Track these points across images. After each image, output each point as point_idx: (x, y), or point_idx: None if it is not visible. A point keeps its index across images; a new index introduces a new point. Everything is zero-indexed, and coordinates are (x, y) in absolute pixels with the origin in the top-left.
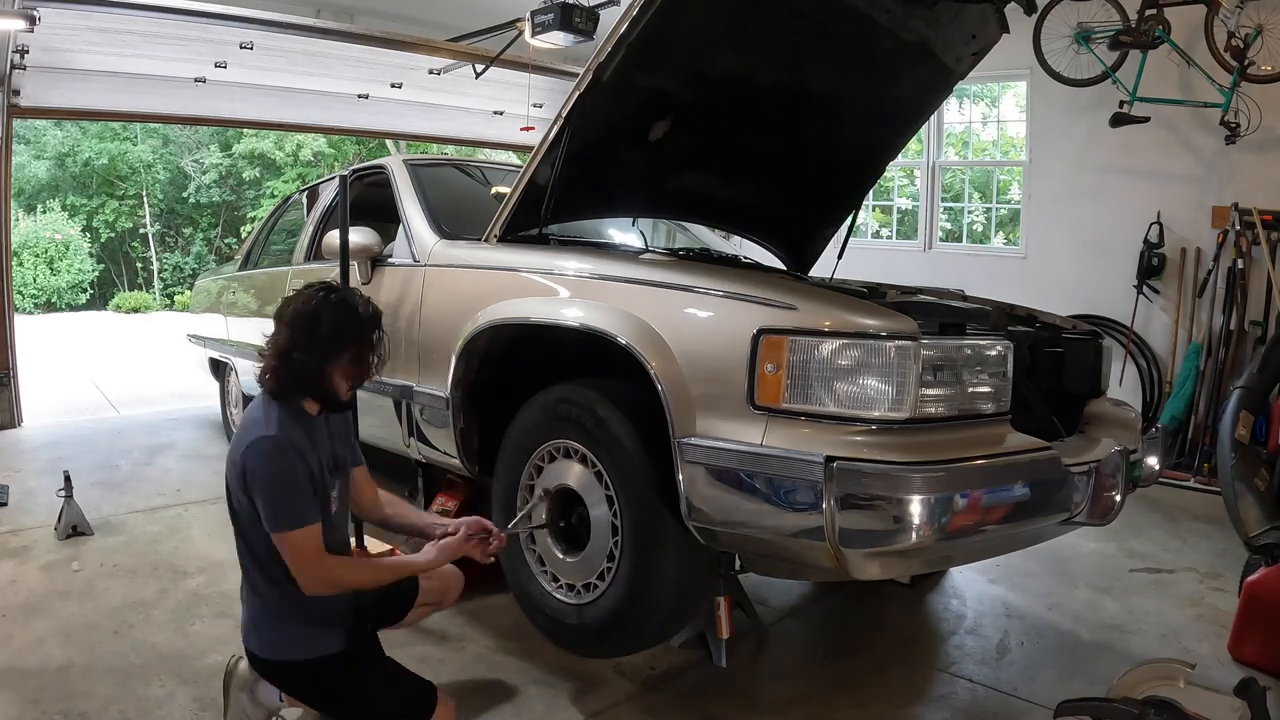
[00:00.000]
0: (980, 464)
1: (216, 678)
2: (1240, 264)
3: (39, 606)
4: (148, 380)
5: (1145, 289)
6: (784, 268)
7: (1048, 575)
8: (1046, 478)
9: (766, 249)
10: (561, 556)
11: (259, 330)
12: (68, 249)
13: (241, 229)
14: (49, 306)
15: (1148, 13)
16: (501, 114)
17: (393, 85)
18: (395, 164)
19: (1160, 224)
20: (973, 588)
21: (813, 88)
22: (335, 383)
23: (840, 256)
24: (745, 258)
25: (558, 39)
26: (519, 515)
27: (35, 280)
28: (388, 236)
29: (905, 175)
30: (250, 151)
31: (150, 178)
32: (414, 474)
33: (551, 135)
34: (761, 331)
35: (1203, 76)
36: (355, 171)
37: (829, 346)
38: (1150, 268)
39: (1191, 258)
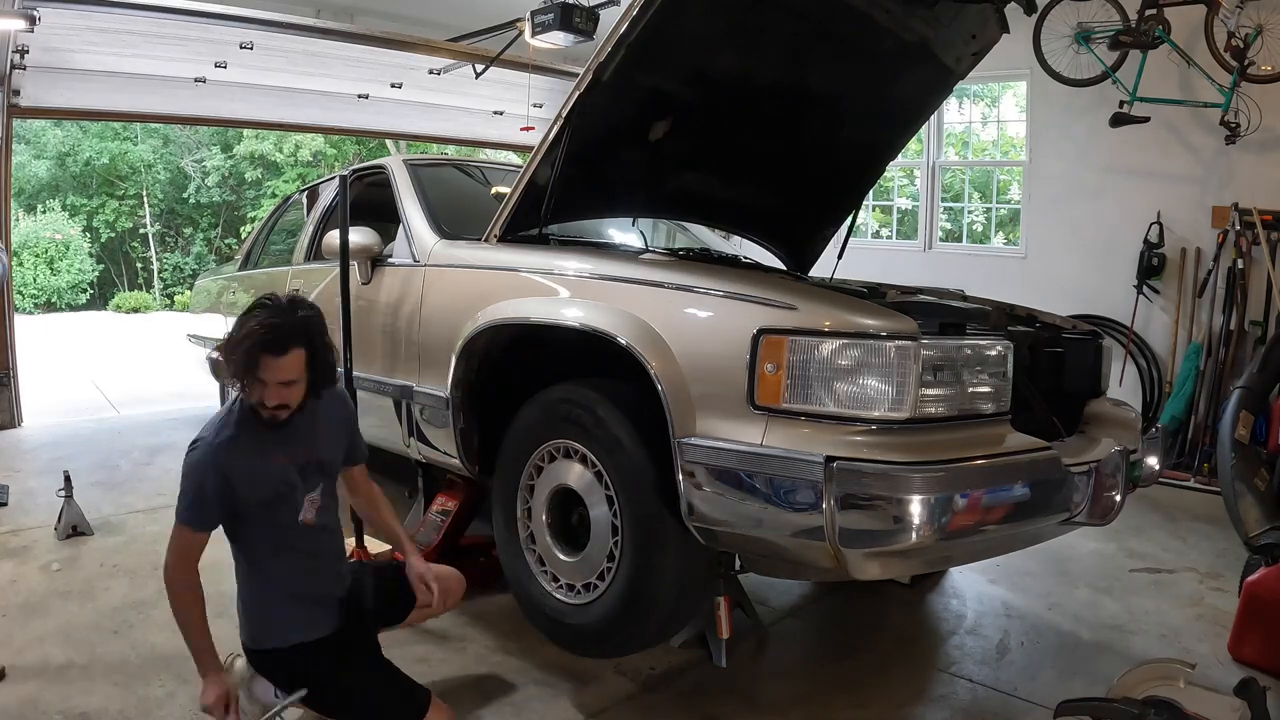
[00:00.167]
0: (980, 464)
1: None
2: (1240, 264)
3: (39, 606)
4: (148, 380)
5: (1145, 289)
6: (784, 268)
7: (1048, 575)
8: (1046, 478)
9: (766, 249)
10: (561, 556)
11: None
12: (68, 249)
13: (241, 229)
14: (49, 306)
15: (1148, 13)
16: (501, 114)
17: (393, 85)
18: (395, 164)
19: (1160, 224)
20: (973, 588)
21: (813, 88)
22: (255, 399)
23: (840, 256)
24: (745, 258)
25: (558, 39)
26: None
27: (35, 280)
28: (388, 236)
29: (905, 175)
30: (251, 153)
31: (150, 178)
32: (414, 474)
33: (551, 135)
34: (761, 331)
35: (1203, 76)
36: (355, 171)
37: (829, 346)
38: (1150, 268)
39: (1191, 258)
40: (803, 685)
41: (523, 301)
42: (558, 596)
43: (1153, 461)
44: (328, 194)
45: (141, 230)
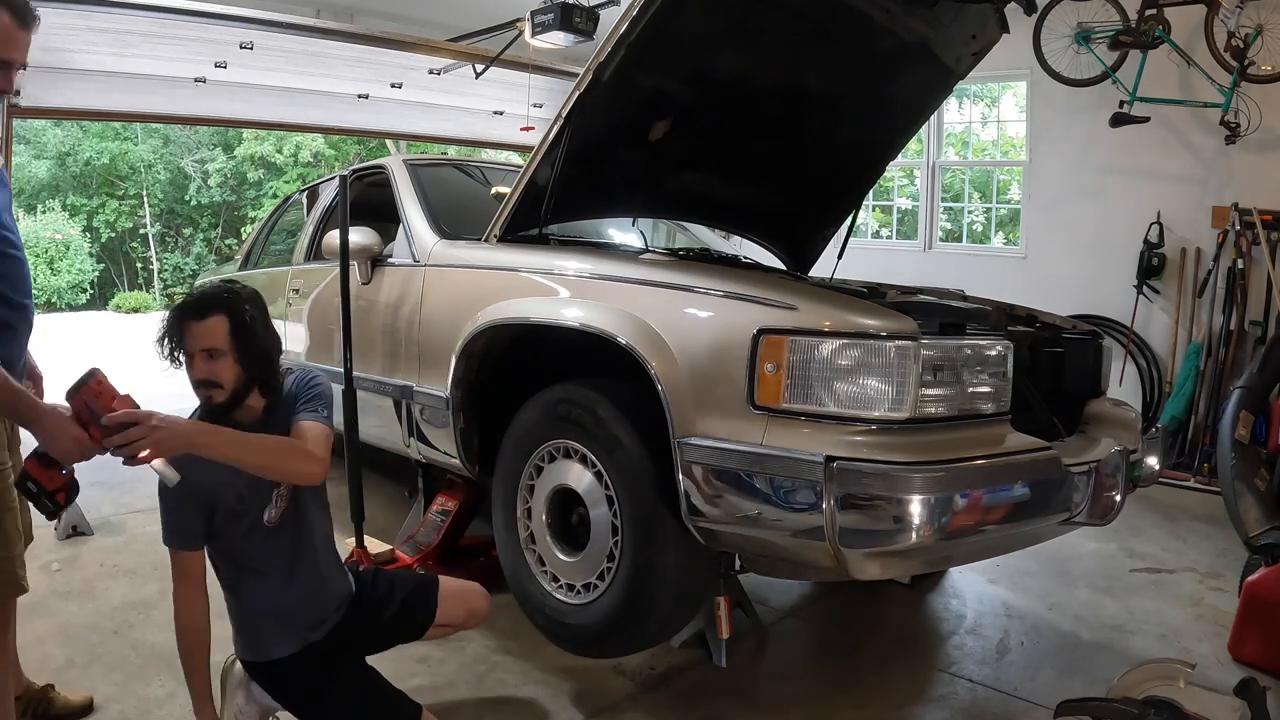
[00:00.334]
0: (980, 464)
1: (214, 678)
2: (1240, 264)
3: (39, 606)
4: (148, 380)
5: (1145, 289)
6: (784, 268)
7: (1048, 575)
8: (1046, 478)
9: (766, 249)
10: (561, 556)
11: None
12: (68, 249)
13: (242, 229)
14: (49, 306)
15: (1148, 13)
16: (501, 114)
17: (393, 85)
18: (395, 164)
19: (1160, 224)
20: (973, 588)
21: (813, 88)
22: (191, 381)
23: (840, 256)
24: (745, 258)
25: (558, 39)
26: None
27: (35, 280)
28: (388, 236)
29: (905, 175)
30: (251, 155)
31: (151, 178)
32: (414, 474)
33: (551, 135)
34: (761, 331)
35: (1203, 76)
36: (355, 171)
37: (829, 346)
38: (1150, 268)
39: (1191, 258)
40: (803, 685)
41: (523, 301)
42: (558, 596)
43: (1153, 461)
44: (328, 194)
45: (141, 230)
